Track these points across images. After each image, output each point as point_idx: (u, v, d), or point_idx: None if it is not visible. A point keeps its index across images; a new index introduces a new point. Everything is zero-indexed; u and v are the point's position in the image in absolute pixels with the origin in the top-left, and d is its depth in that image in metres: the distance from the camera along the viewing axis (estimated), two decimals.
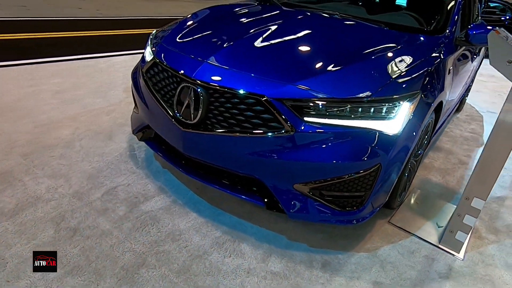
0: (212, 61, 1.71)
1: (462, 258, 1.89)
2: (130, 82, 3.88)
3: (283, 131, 1.53)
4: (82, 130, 2.72)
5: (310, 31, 2.07)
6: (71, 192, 2.02)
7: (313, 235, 1.92)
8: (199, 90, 1.63)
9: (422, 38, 2.14)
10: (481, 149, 3.37)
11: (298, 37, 2.00)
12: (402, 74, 1.70)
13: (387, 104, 1.57)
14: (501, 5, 9.25)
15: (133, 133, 2.25)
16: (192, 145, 1.75)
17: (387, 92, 1.59)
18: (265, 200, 1.70)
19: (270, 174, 1.64)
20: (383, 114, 1.57)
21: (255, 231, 1.90)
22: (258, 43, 1.87)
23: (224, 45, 1.83)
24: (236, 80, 1.60)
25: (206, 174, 1.86)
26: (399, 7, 2.90)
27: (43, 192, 1.99)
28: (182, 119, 1.71)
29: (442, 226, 2.12)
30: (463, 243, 1.89)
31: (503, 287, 1.75)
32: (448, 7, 2.48)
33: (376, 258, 1.82)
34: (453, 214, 2.16)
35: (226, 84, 1.59)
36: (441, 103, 2.08)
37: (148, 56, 2.05)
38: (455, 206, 2.27)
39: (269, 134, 1.55)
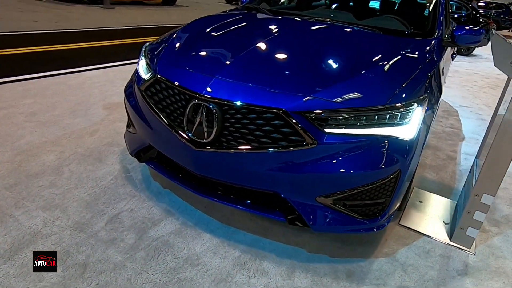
0: (223, 76, 1.67)
1: (474, 253, 1.97)
2: (108, 98, 3.74)
3: (304, 144, 1.52)
4: (68, 154, 2.56)
5: (312, 39, 2.09)
6: (71, 224, 1.89)
7: (331, 244, 1.92)
8: (212, 107, 1.58)
9: (418, 42, 2.22)
10: (464, 143, 3.55)
11: (302, 46, 2.01)
12: (410, 79, 1.75)
13: (401, 110, 1.60)
14: (454, 3, 9.87)
15: (131, 154, 2.15)
16: (206, 165, 1.70)
17: (400, 98, 1.63)
18: (287, 215, 1.68)
19: (291, 188, 1.63)
20: (398, 120, 1.60)
21: (273, 247, 1.88)
22: (265, 55, 1.86)
23: (231, 59, 1.80)
24: (252, 95, 1.57)
25: (221, 193, 1.80)
26: (384, 11, 3.00)
27: (40, 226, 1.85)
28: (194, 138, 1.65)
29: (448, 223, 2.20)
30: (474, 239, 1.97)
31: None
32: (433, 9, 2.60)
33: (396, 262, 1.85)
34: (455, 209, 2.26)
35: (242, 100, 1.56)
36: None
37: (146, 73, 1.97)
38: (456, 202, 2.37)
39: (290, 148, 1.53)
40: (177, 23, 9.79)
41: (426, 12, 2.63)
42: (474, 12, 9.29)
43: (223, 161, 1.65)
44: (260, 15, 2.64)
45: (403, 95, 1.65)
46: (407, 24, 2.59)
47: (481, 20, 9.23)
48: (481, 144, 2.25)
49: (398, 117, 1.61)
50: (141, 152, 2.08)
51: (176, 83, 1.71)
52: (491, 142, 2.00)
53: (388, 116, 1.59)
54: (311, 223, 1.65)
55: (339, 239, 1.96)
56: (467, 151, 3.34)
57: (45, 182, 2.22)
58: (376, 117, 1.58)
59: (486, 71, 7.70)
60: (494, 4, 17.89)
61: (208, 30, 2.28)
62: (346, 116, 1.55)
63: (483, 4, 17.82)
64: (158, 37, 2.38)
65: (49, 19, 8.20)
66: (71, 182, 2.24)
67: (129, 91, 2.15)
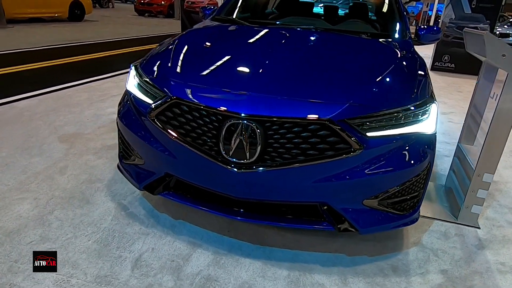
0: (257, 91, 1.65)
1: (479, 227, 2.23)
2: (60, 130, 3.34)
3: (351, 151, 1.57)
4: (45, 200, 2.24)
5: (321, 47, 2.18)
6: (92, 279, 1.66)
7: (365, 245, 2.01)
8: (253, 125, 1.55)
9: (405, 43, 2.45)
10: None
11: (315, 54, 2.09)
12: (419, 78, 1.93)
13: (423, 108, 1.75)
14: None
15: (140, 188, 1.97)
16: (249, 186, 1.65)
17: (419, 97, 1.79)
18: (336, 223, 1.71)
19: (340, 196, 1.67)
20: (420, 117, 1.75)
21: (315, 258, 1.89)
22: (286, 65, 1.88)
23: (256, 72, 1.78)
24: (294, 108, 1.58)
25: (260, 214, 1.76)
26: (351, 15, 3.20)
27: None
28: (235, 160, 1.59)
29: (446, 205, 2.45)
30: (478, 215, 2.23)
31: None
32: (398, 12, 2.88)
33: (426, 249, 2.01)
34: (446, 191, 2.52)
35: (285, 114, 1.56)
36: None
37: (151, 97, 1.82)
38: (443, 184, 2.65)
39: (338, 156, 1.57)
40: (96, 39, 9.16)
41: (390, 14, 2.90)
42: None
43: (268, 179, 1.62)
44: (250, 26, 2.63)
45: (423, 94, 1.81)
46: (376, 26, 2.84)
47: None
48: (461, 131, 2.56)
49: (421, 115, 1.75)
50: (154, 184, 1.92)
51: (204, 104, 1.63)
52: (476, 129, 2.30)
53: (413, 114, 1.73)
54: (359, 227, 1.71)
55: (368, 238, 2.06)
56: None
57: (34, 237, 1.91)
58: (404, 117, 1.70)
59: None
60: None
61: (209, 43, 2.21)
62: (381, 119, 1.65)
63: None
64: (148, 54, 2.23)
65: None
66: (66, 232, 1.97)
67: (127, 119, 1.97)
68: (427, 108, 1.78)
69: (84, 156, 2.85)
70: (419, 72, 2.01)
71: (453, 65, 7.60)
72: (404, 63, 2.07)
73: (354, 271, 1.81)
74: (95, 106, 4.09)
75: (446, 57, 7.51)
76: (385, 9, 3.02)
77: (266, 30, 2.45)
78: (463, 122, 2.60)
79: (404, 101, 1.73)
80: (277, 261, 1.85)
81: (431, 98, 1.84)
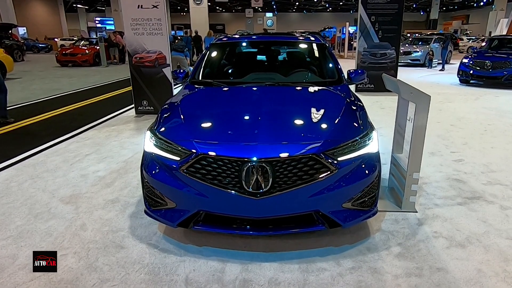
0: (263, 141, 2.46)
1: (417, 211, 3.24)
2: (56, 193, 3.75)
3: (330, 172, 2.44)
4: (84, 252, 2.74)
5: (293, 99, 3.12)
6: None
7: (345, 237, 2.86)
8: (265, 166, 2.34)
9: (346, 88, 3.46)
10: None
11: (291, 105, 3.00)
12: (362, 114, 2.91)
13: (369, 135, 2.71)
14: None
15: (174, 226, 2.61)
16: (266, 208, 2.42)
17: (366, 128, 2.75)
18: (326, 224, 2.54)
19: (326, 204, 2.51)
20: (369, 141, 2.69)
21: (313, 252, 2.68)
22: (273, 118, 2.73)
23: (257, 125, 2.62)
24: (292, 149, 2.41)
25: (273, 227, 2.53)
26: (294, 65, 4.21)
27: None
28: (255, 191, 2.36)
29: (391, 200, 3.43)
30: (414, 203, 3.23)
31: (441, 215, 3.17)
32: (333, 60, 3.94)
33: (386, 232, 2.93)
34: (389, 190, 3.52)
35: (287, 154, 2.38)
36: None
37: (176, 155, 2.52)
38: (387, 185, 3.66)
39: (322, 176, 2.42)
40: (32, 100, 9.22)
41: (326, 63, 3.96)
42: None
43: (279, 200, 2.41)
44: (234, 88, 3.52)
45: (366, 126, 2.78)
46: (317, 73, 3.87)
47: None
48: (392, 144, 3.61)
49: (367, 140, 2.70)
50: (186, 220, 2.58)
51: (228, 156, 2.39)
52: (402, 142, 3.34)
53: (364, 141, 2.66)
54: (342, 222, 2.56)
55: (346, 232, 2.91)
56: None
57: (94, 280, 2.43)
58: (358, 144, 2.63)
59: None
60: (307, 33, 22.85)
61: (210, 107, 3.02)
62: (345, 148, 2.55)
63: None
64: (156, 119, 2.93)
65: None
66: (118, 272, 2.52)
67: (156, 175, 2.62)
68: (371, 135, 2.73)
69: (95, 212, 3.35)
70: (361, 110, 3.00)
71: (372, 85, 9.20)
72: (351, 104, 3.04)
73: (343, 255, 2.65)
74: (75, 167, 4.53)
75: (366, 80, 9.05)
76: (323, 60, 4.08)
77: (247, 90, 3.33)
78: (393, 137, 3.66)
79: (357, 133, 2.67)
80: (289, 260, 2.61)
81: (372, 127, 2.82)
